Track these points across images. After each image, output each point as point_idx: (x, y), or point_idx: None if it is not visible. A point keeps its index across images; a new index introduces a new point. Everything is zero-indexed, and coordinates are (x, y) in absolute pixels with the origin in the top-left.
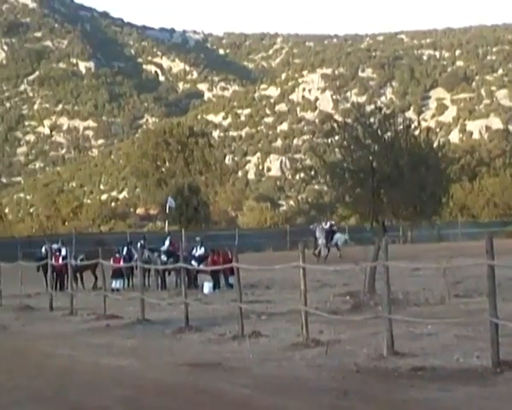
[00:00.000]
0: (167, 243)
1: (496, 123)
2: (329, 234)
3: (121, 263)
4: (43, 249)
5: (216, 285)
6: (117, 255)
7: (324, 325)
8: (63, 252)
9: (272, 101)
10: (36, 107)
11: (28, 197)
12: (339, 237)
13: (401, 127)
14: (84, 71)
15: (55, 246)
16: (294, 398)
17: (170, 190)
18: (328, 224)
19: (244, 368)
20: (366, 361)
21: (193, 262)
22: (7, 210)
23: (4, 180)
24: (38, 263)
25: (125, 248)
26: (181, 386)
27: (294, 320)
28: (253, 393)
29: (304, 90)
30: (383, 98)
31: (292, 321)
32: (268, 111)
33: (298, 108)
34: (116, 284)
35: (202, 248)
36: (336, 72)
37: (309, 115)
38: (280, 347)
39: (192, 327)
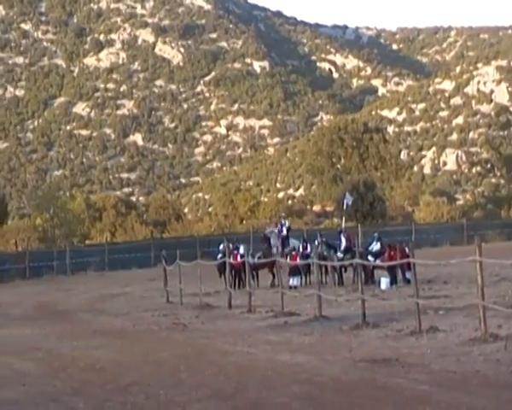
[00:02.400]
0: (343, 239)
1: None
2: (285, 239)
3: (298, 260)
4: (221, 247)
5: (393, 281)
6: (293, 253)
7: (503, 320)
8: (241, 250)
9: (447, 94)
10: (212, 107)
11: (206, 197)
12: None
13: None
14: (258, 70)
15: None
16: (474, 393)
17: (345, 187)
18: (284, 228)
19: (422, 364)
20: None
21: (369, 258)
22: (186, 210)
23: (183, 180)
24: (218, 261)
25: (301, 245)
26: (358, 382)
27: (472, 315)
28: (431, 389)
29: (479, 82)
30: None
31: (469, 316)
32: (443, 105)
33: (473, 101)
34: (293, 281)
35: (378, 244)
36: None
37: (484, 108)
38: (458, 342)
39: (369, 323)
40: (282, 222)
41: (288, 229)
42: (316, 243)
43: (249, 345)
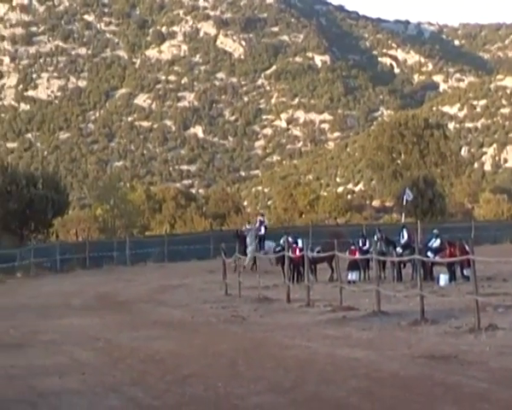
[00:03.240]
0: (405, 235)
1: None
2: (262, 240)
3: (357, 255)
4: (282, 241)
5: (452, 277)
6: (352, 247)
7: None
8: (300, 244)
9: (509, 91)
10: (273, 101)
11: (266, 190)
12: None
13: None
14: (319, 65)
15: (290, 239)
16: None
17: (405, 183)
18: (262, 226)
19: (481, 361)
20: None
21: (429, 254)
22: (245, 203)
23: (243, 173)
24: (278, 254)
25: (361, 241)
26: (417, 378)
27: None
28: (490, 386)
29: None
30: None
31: None
32: (504, 102)
33: None
34: (352, 275)
35: (438, 240)
36: None
37: None
38: None
39: (428, 319)
40: (261, 219)
41: (265, 228)
42: (375, 238)
43: (308, 339)
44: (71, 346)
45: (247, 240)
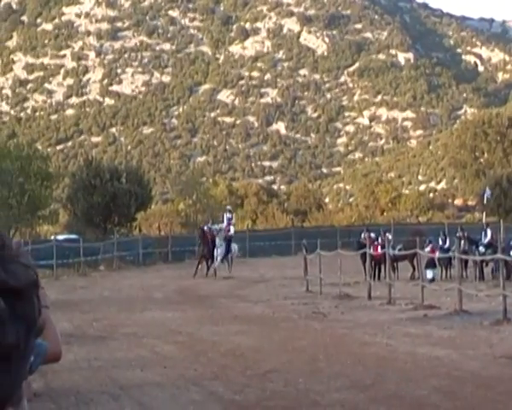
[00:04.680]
0: (489, 234)
1: None
2: (230, 242)
3: (436, 254)
4: (362, 237)
5: None
6: (430, 246)
7: None
8: (389, 237)
9: None
10: (356, 98)
11: (348, 187)
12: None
13: None
14: (403, 62)
15: (373, 235)
16: None
17: (488, 181)
18: (231, 225)
19: None
20: None
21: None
22: (327, 200)
23: (325, 170)
24: (359, 252)
25: (441, 239)
26: (499, 378)
27: None
28: None
29: None
30: None
31: None
32: None
33: None
34: (428, 273)
35: None
36: None
37: None
38: None
39: (510, 319)
40: (229, 216)
41: (233, 226)
42: (457, 236)
43: (388, 337)
44: (152, 339)
45: (217, 241)
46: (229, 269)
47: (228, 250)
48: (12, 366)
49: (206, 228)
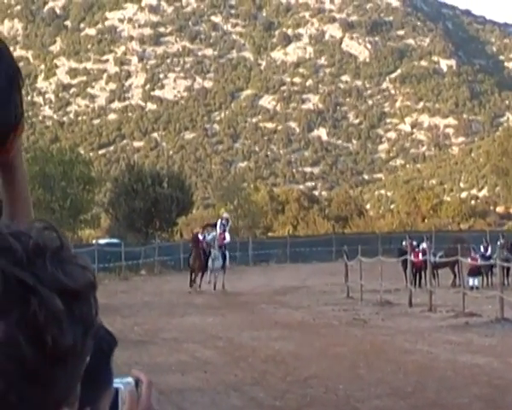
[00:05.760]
0: None
1: None
2: (224, 249)
3: (478, 261)
4: (404, 244)
5: None
6: (473, 253)
7: None
8: (423, 245)
9: None
10: (397, 104)
11: (389, 194)
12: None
13: None
14: (445, 69)
15: (414, 243)
16: None
17: None
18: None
19: None
20: None
21: None
22: (368, 206)
23: (366, 177)
24: (400, 258)
25: (483, 247)
26: None
27: None
28: None
29: None
30: None
31: None
32: None
33: None
34: (473, 281)
35: None
36: None
37: None
38: None
39: None
40: (224, 223)
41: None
42: (498, 244)
43: (429, 344)
44: (193, 344)
45: (212, 252)
46: (223, 281)
47: (224, 261)
48: (68, 368)
49: (200, 236)
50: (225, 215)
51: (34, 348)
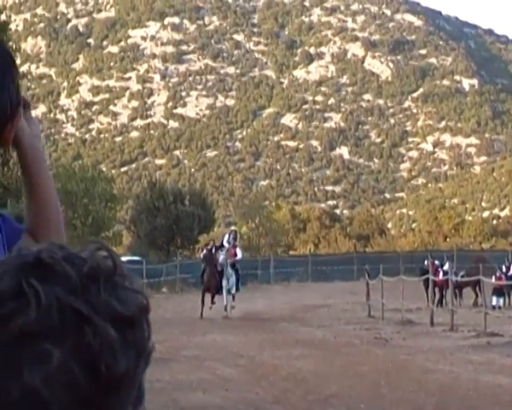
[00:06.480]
0: None
1: None
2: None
3: (503, 281)
4: (426, 263)
5: None
6: (498, 273)
7: None
8: (445, 267)
9: None
10: (419, 123)
11: (411, 213)
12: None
13: None
14: (467, 88)
15: (437, 262)
16: None
17: None
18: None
19: None
20: None
21: None
22: (390, 225)
23: (388, 196)
24: (422, 277)
25: (505, 266)
26: None
27: None
28: None
29: None
30: None
31: None
32: None
33: None
34: (498, 301)
35: None
36: None
37: None
38: None
39: None
40: (234, 236)
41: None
42: None
43: (451, 364)
44: (214, 362)
45: (226, 271)
46: (232, 303)
47: (237, 283)
48: (121, 394)
49: (213, 251)
50: (233, 228)
51: (88, 377)
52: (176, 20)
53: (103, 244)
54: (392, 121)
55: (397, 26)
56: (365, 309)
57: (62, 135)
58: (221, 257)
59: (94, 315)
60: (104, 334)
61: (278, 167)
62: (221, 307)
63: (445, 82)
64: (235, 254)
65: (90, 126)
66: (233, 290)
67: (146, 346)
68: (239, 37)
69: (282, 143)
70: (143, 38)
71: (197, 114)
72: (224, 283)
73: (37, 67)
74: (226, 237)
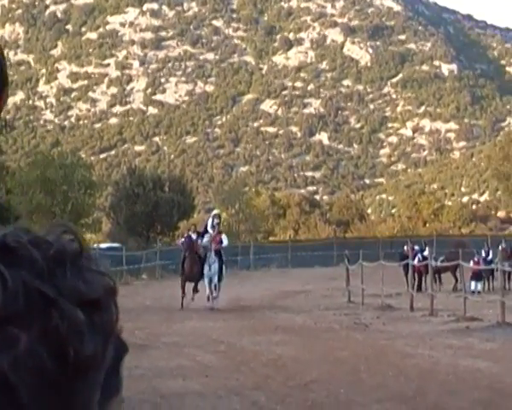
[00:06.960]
0: None
1: None
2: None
3: (480, 265)
4: (405, 249)
5: None
6: (476, 258)
7: None
8: (426, 253)
9: None
10: (399, 109)
11: (390, 198)
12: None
13: None
14: (446, 73)
15: (416, 247)
16: None
17: None
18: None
19: None
20: None
21: None
22: (369, 210)
23: (367, 181)
24: (402, 263)
25: (484, 251)
26: None
27: None
28: None
29: None
30: None
31: None
32: None
33: None
34: (476, 286)
35: None
36: None
37: None
38: None
39: None
40: (217, 221)
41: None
42: (499, 248)
43: (430, 348)
44: (194, 348)
45: (209, 257)
46: (216, 293)
47: (221, 271)
48: (89, 378)
49: (193, 236)
50: (216, 211)
51: (56, 361)
52: (155, 6)
53: (69, 227)
54: (371, 107)
55: (376, 11)
56: (345, 295)
57: (41, 122)
58: (205, 239)
59: (61, 299)
60: (71, 317)
61: (258, 153)
62: (203, 295)
63: (425, 67)
64: (221, 241)
65: (69, 113)
66: (215, 279)
67: (114, 329)
68: (218, 23)
69: (262, 129)
70: (122, 25)
71: (176, 100)
72: (206, 269)
73: (16, 54)
74: (210, 221)
